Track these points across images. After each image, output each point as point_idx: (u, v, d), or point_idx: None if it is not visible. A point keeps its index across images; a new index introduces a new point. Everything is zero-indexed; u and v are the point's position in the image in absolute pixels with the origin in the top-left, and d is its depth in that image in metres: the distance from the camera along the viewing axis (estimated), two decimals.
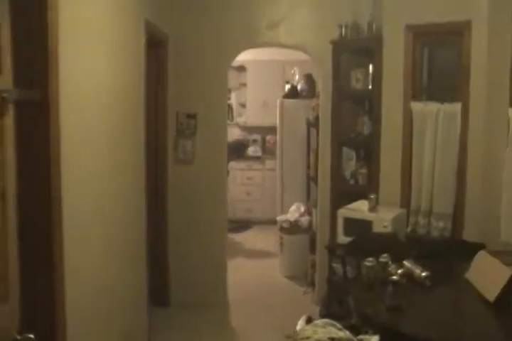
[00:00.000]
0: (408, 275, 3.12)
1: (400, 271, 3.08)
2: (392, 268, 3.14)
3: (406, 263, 3.22)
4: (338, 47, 4.89)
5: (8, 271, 1.63)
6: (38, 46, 2.01)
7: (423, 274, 3.11)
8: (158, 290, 4.91)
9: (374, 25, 4.70)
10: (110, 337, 3.13)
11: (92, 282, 2.73)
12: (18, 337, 1.63)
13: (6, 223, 1.62)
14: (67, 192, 2.18)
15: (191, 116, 5.06)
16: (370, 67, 4.77)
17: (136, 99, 3.86)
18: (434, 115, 4.30)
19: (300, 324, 2.61)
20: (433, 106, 4.31)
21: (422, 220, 4.42)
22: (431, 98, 4.44)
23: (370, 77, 4.77)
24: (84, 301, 2.57)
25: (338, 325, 2.53)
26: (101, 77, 2.92)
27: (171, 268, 5.16)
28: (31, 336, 1.63)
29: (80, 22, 2.55)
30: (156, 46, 4.68)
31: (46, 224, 2.04)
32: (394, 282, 2.84)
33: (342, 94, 4.94)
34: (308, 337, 2.33)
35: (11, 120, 1.67)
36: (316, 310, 4.67)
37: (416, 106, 4.41)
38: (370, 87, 4.77)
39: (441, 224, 4.29)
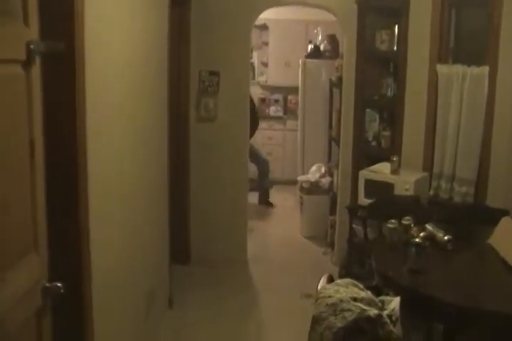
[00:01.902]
0: (430, 238, 3.11)
1: (422, 234, 3.07)
2: (414, 230, 3.13)
3: (428, 226, 3.21)
4: (364, 7, 4.77)
5: (37, 222, 1.64)
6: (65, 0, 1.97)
7: (445, 238, 3.10)
8: (179, 248, 4.96)
9: None
10: (134, 293, 3.17)
11: (116, 237, 2.75)
12: (47, 285, 1.68)
13: (34, 176, 1.62)
14: (91, 143, 2.17)
15: (214, 74, 5.00)
16: (396, 28, 4.66)
17: (160, 57, 3.82)
18: (460, 78, 4.19)
19: (322, 282, 2.62)
20: (459, 69, 4.20)
21: (444, 184, 4.36)
22: (457, 61, 4.33)
23: (396, 38, 4.66)
24: (109, 256, 2.60)
25: (360, 285, 2.54)
26: (125, 34, 2.88)
27: (192, 226, 5.20)
28: (59, 284, 1.68)
29: None
30: (179, 5, 4.60)
31: (72, 177, 2.04)
32: (416, 244, 2.84)
33: (366, 55, 4.85)
34: (330, 296, 2.34)
35: (38, 71, 1.65)
36: (335, 270, 4.70)
37: (442, 68, 4.31)
38: (395, 48, 4.68)
39: (463, 190, 4.22)
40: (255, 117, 6.93)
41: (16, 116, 1.53)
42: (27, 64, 1.58)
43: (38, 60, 1.65)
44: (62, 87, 1.96)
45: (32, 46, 1.58)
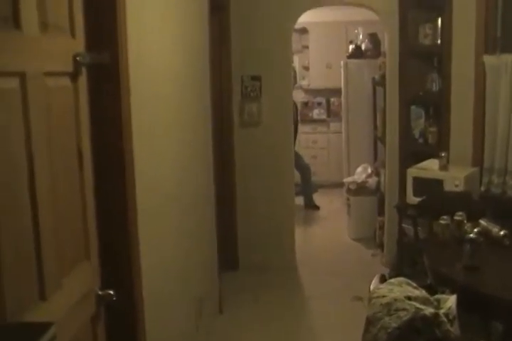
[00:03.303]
0: (485, 233, 3.03)
1: (476, 230, 2.99)
2: (467, 226, 3.06)
3: (482, 221, 3.13)
4: (405, 2, 4.71)
5: (88, 231, 1.68)
6: (108, 11, 2.01)
7: (501, 233, 3.02)
8: (228, 255, 4.97)
9: None
10: (185, 299, 3.20)
11: (166, 245, 2.78)
12: (100, 293, 1.72)
13: (83, 184, 1.66)
14: (137, 151, 2.21)
15: (256, 78, 5.02)
16: (439, 21, 4.58)
17: (202, 62, 3.86)
18: (509, 68, 4.08)
19: (374, 282, 2.58)
20: (508, 59, 4.09)
21: (496, 179, 4.25)
22: (506, 50, 4.21)
23: (439, 31, 4.58)
24: (159, 263, 2.63)
25: (414, 284, 2.50)
26: (167, 42, 2.92)
27: (239, 232, 5.21)
28: (111, 292, 1.73)
29: None
30: (218, 10, 4.64)
31: (119, 186, 2.08)
32: (471, 240, 2.77)
33: (409, 50, 4.79)
34: (383, 296, 2.31)
35: (84, 83, 1.69)
36: (385, 272, 4.62)
37: (489, 59, 4.21)
38: (439, 41, 4.60)
39: None
40: (296, 123, 6.94)
41: (66, 128, 1.57)
42: (74, 76, 1.62)
43: (84, 72, 1.69)
44: (107, 97, 2.00)
45: (79, 58, 1.62)
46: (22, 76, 1.29)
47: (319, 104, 8.68)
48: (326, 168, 8.16)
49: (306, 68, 8.70)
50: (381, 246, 5.45)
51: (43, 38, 1.42)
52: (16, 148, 1.26)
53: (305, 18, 5.56)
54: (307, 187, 7.37)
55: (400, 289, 2.34)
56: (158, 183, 2.66)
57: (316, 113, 8.59)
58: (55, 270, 1.41)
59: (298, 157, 7.11)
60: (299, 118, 7.38)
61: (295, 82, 8.29)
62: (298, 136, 7.03)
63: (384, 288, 2.37)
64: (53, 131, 1.45)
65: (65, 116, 1.57)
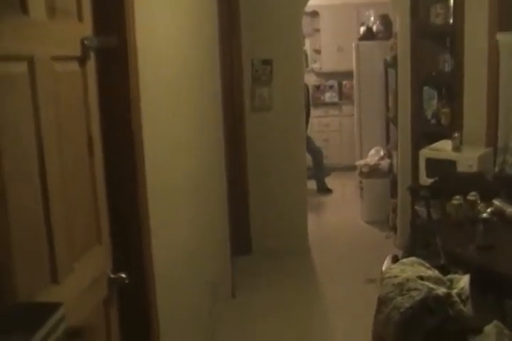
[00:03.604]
0: (499, 213, 3.01)
1: (489, 210, 2.98)
2: (481, 206, 3.04)
3: (496, 201, 3.11)
4: None
5: (99, 215, 1.69)
6: None
7: None
8: (240, 239, 4.99)
9: None
10: (197, 283, 3.22)
11: (177, 229, 2.79)
12: (112, 276, 1.74)
13: (93, 171, 1.66)
14: (147, 136, 2.21)
15: (267, 62, 5.00)
16: (451, 0, 4.52)
17: (212, 46, 3.84)
18: None
19: (386, 263, 2.59)
20: None
21: (510, 159, 4.21)
22: None
23: (451, 10, 4.52)
24: (170, 247, 2.64)
25: (427, 264, 2.50)
26: (176, 26, 2.91)
27: (252, 216, 5.23)
28: (123, 275, 1.75)
29: None
30: None
31: (130, 170, 2.08)
32: (484, 220, 2.75)
33: (421, 31, 4.74)
34: (396, 276, 2.31)
35: (93, 67, 1.69)
36: (399, 254, 4.61)
37: (503, 37, 4.13)
38: (451, 21, 4.54)
39: None
40: (308, 106, 6.92)
41: (75, 113, 1.57)
42: (82, 60, 1.62)
43: (92, 56, 1.69)
44: (116, 82, 2.00)
45: (86, 42, 1.61)
46: (30, 60, 1.29)
47: (331, 87, 8.63)
48: (338, 151, 8.14)
49: (318, 51, 8.64)
50: (394, 228, 5.44)
51: (51, 23, 1.42)
52: (25, 133, 1.26)
53: (316, 1, 5.54)
54: (319, 171, 7.36)
55: (412, 269, 2.35)
56: (168, 167, 2.67)
57: (328, 96, 8.54)
58: (66, 254, 1.42)
59: (309, 141, 7.10)
60: (311, 101, 7.35)
61: (307, 66, 8.26)
62: (310, 120, 7.02)
63: (396, 268, 2.38)
64: (62, 116, 1.45)
65: (73, 101, 1.57)
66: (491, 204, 3.07)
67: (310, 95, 7.40)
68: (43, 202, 1.31)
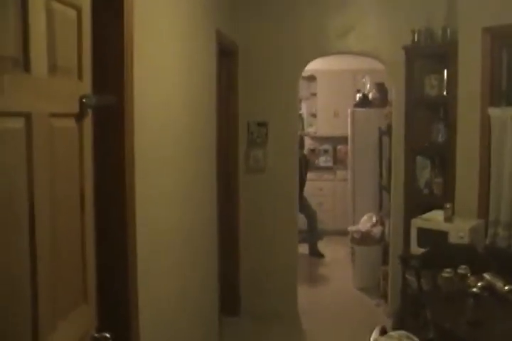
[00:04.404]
0: (489, 288, 2.96)
1: (480, 284, 2.94)
2: (471, 280, 3.00)
3: (486, 275, 3.07)
4: (411, 53, 4.78)
5: (87, 273, 1.66)
6: (115, 54, 2.05)
7: (506, 288, 2.95)
8: (229, 300, 4.90)
9: (448, 30, 4.58)
10: None
11: (164, 289, 2.74)
12: (96, 335, 1.69)
13: (83, 228, 1.65)
14: (140, 198, 2.20)
15: (262, 125, 5.06)
16: (445, 72, 4.64)
17: (209, 108, 3.90)
18: None
19: (374, 335, 2.53)
20: None
21: (502, 232, 4.20)
22: (511, 103, 4.25)
23: (445, 82, 4.63)
24: (157, 307, 2.59)
25: (415, 338, 2.44)
26: (173, 86, 2.96)
27: (242, 278, 5.16)
28: (107, 335, 1.69)
29: (155, 31, 2.60)
30: (226, 56, 4.72)
31: (121, 230, 2.07)
32: (474, 295, 2.71)
33: (416, 101, 4.83)
34: None
35: (89, 125, 1.70)
36: (389, 322, 4.54)
37: (494, 112, 4.23)
38: (444, 93, 4.64)
39: None
40: (305, 172, 7.01)
41: (69, 169, 1.57)
42: (79, 117, 1.63)
43: (89, 113, 1.70)
44: (111, 139, 2.01)
45: (85, 100, 1.63)
46: (28, 116, 1.30)
47: (326, 151, 8.72)
48: (331, 215, 8.12)
49: (314, 115, 8.78)
50: (385, 296, 5.36)
51: (51, 80, 1.44)
52: (17, 189, 1.25)
53: (313, 66, 5.65)
54: (312, 234, 7.32)
55: None
56: (159, 223, 2.64)
57: (323, 160, 8.62)
58: (50, 312, 1.38)
59: (306, 202, 7.12)
60: (307, 171, 7.45)
61: (302, 129, 8.37)
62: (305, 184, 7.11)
63: None
64: (57, 172, 1.45)
65: (68, 157, 1.57)
66: (481, 278, 3.03)
67: (308, 163, 7.50)
68: (30, 258, 1.29)
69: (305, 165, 7.34)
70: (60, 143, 1.49)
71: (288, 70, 5.08)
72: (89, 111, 1.69)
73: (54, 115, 1.43)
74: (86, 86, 1.70)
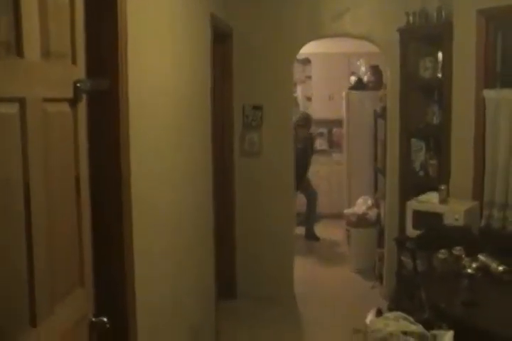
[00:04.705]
0: (484, 269, 3.00)
1: (474, 265, 2.96)
2: (466, 261, 3.03)
3: (481, 256, 3.10)
4: (406, 35, 4.77)
5: (83, 257, 1.67)
6: (109, 38, 2.04)
7: (500, 268, 2.99)
8: (226, 283, 4.94)
9: (443, 12, 4.55)
10: (180, 328, 3.16)
11: (161, 272, 2.76)
12: (94, 320, 1.70)
13: (80, 211, 1.65)
14: (135, 180, 2.21)
15: (257, 108, 5.05)
16: (440, 54, 4.63)
17: (203, 92, 3.89)
18: (509, 102, 4.10)
19: (370, 316, 2.56)
20: (508, 93, 4.11)
21: (496, 213, 4.22)
22: (506, 85, 4.25)
23: (440, 65, 4.62)
24: (154, 291, 2.60)
25: (411, 319, 2.47)
26: (168, 70, 2.95)
27: (238, 261, 5.19)
28: (104, 319, 1.71)
29: (149, 15, 2.58)
30: (221, 39, 4.70)
31: (117, 212, 2.08)
32: (469, 275, 2.74)
33: (410, 83, 4.83)
34: (379, 330, 2.28)
35: (84, 109, 1.70)
36: (385, 304, 4.58)
37: (489, 93, 4.23)
38: (439, 75, 4.63)
39: None
40: (312, 151, 7.05)
41: (63, 153, 1.57)
42: (74, 102, 1.63)
43: (84, 98, 1.70)
44: (106, 123, 2.01)
45: (79, 85, 1.63)
46: (22, 102, 1.30)
47: (321, 134, 8.71)
48: (327, 198, 8.12)
49: (309, 98, 8.76)
50: (380, 278, 5.41)
51: (45, 65, 1.43)
52: (12, 174, 1.26)
53: (308, 49, 5.63)
54: (310, 217, 7.35)
55: (396, 324, 2.31)
56: (156, 211, 2.65)
57: (318, 143, 8.61)
58: (47, 296, 1.39)
59: (308, 183, 7.19)
60: (313, 151, 7.51)
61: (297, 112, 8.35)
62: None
63: (380, 322, 2.34)
64: (51, 157, 1.45)
65: (63, 142, 1.57)
66: (476, 259, 3.06)
67: (313, 143, 7.55)
68: (26, 242, 1.30)
69: (310, 145, 7.37)
70: (54, 128, 1.48)
71: (283, 53, 5.06)
72: (84, 96, 1.69)
73: (48, 100, 1.43)
74: (80, 70, 1.69)
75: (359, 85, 7.30)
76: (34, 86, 1.36)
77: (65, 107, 1.59)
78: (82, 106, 1.68)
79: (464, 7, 4.38)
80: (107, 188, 2.02)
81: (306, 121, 7.24)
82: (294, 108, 5.60)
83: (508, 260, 3.13)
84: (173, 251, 3.02)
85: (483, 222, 4.27)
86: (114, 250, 2.06)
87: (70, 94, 1.59)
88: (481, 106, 4.28)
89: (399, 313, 2.47)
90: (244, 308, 4.98)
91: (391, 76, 5.01)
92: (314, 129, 8.68)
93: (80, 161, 1.65)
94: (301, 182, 6.84)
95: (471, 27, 4.30)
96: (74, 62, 1.64)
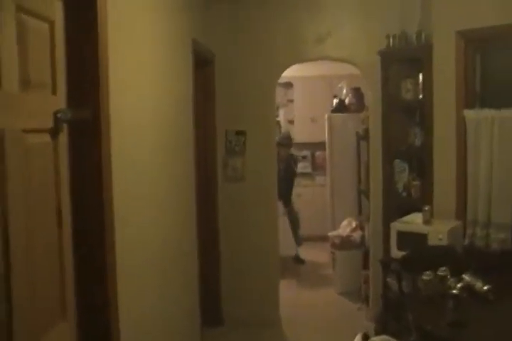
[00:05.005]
0: (469, 289, 2.99)
1: (459, 285, 2.96)
2: (451, 281, 3.02)
3: (466, 276, 3.10)
4: (387, 57, 4.83)
5: (65, 292, 1.64)
6: (90, 68, 2.03)
7: (485, 287, 2.98)
8: (211, 310, 4.88)
9: (423, 34, 4.62)
10: None
11: (145, 301, 2.72)
12: None
13: (61, 242, 1.63)
14: (119, 210, 2.19)
15: (240, 133, 5.05)
16: (420, 76, 4.69)
17: (186, 117, 3.89)
18: (489, 122, 4.15)
19: None
20: (488, 113, 4.16)
21: (479, 232, 4.24)
22: (485, 105, 4.30)
23: (421, 86, 4.68)
24: (137, 321, 2.57)
25: None
26: (151, 97, 2.95)
27: (223, 286, 5.14)
28: None
29: (130, 43, 2.59)
30: (203, 65, 4.72)
31: (100, 245, 2.05)
32: (454, 296, 2.74)
33: (392, 105, 4.87)
34: None
35: (64, 139, 1.70)
36: (371, 326, 4.54)
37: (469, 114, 4.28)
38: (420, 96, 4.68)
39: (501, 236, 4.10)
40: (294, 173, 7.08)
41: (44, 185, 1.55)
42: (54, 132, 1.62)
43: (65, 128, 1.70)
44: (88, 153, 1.99)
45: (59, 115, 1.62)
46: (0, 133, 1.29)
47: (304, 157, 8.74)
48: (311, 221, 8.11)
49: (291, 122, 8.81)
50: (366, 300, 5.38)
51: (23, 95, 1.43)
52: None
53: (290, 73, 5.67)
54: (295, 240, 7.32)
55: None
56: (138, 235, 2.63)
57: (301, 166, 8.62)
58: (25, 332, 1.36)
59: (291, 206, 7.19)
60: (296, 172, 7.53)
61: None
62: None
63: None
64: (32, 189, 1.44)
65: (44, 173, 1.56)
66: (461, 279, 3.05)
67: (297, 164, 7.57)
68: (4, 277, 1.27)
69: (293, 165, 7.38)
70: (34, 159, 1.48)
71: (265, 78, 5.08)
72: (65, 126, 1.68)
73: (28, 131, 1.42)
74: (60, 100, 1.69)
75: (341, 107, 7.35)
76: (12, 117, 1.36)
77: (46, 137, 1.58)
78: (63, 136, 1.68)
79: (443, 29, 4.45)
80: (89, 217, 1.99)
81: (287, 140, 7.28)
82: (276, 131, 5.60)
83: (493, 278, 3.13)
84: (157, 276, 2.99)
85: (466, 241, 4.28)
86: (97, 279, 2.03)
87: (50, 125, 1.59)
88: (461, 126, 4.33)
89: (385, 337, 2.46)
90: (231, 335, 4.91)
91: (373, 98, 5.05)
92: (297, 152, 8.74)
93: (61, 192, 1.64)
94: (287, 201, 6.90)
95: (450, 48, 4.36)
96: (54, 92, 1.64)
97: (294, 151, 7.72)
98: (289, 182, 7.14)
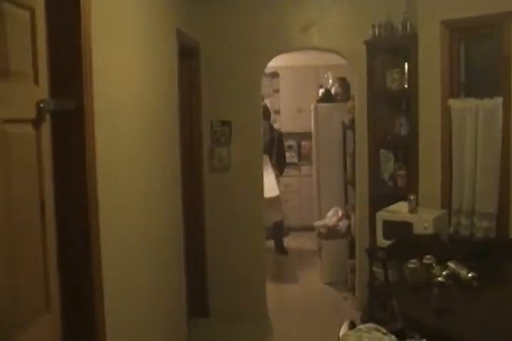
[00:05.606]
0: (454, 276, 3.02)
1: (444, 273, 2.98)
2: (436, 269, 3.05)
3: (451, 264, 3.13)
4: (372, 47, 4.84)
5: (49, 284, 1.63)
6: (72, 57, 2.01)
7: (469, 275, 3.01)
8: (197, 301, 4.88)
9: (408, 24, 4.64)
10: None
11: (131, 293, 2.72)
12: None
13: (45, 234, 1.62)
14: (103, 201, 2.18)
15: (226, 123, 5.04)
16: (406, 66, 4.71)
17: (171, 108, 3.87)
18: (473, 111, 4.18)
19: (343, 329, 2.55)
20: (472, 103, 4.19)
21: (464, 220, 4.30)
22: (470, 94, 4.33)
23: (406, 76, 4.70)
24: (124, 313, 2.56)
25: (383, 330, 2.47)
26: (135, 87, 2.93)
27: (209, 278, 5.13)
28: None
29: (113, 32, 2.57)
30: (188, 55, 4.69)
31: (84, 237, 2.03)
32: (439, 284, 2.76)
33: (378, 95, 4.89)
34: None
35: (48, 130, 1.68)
36: (358, 315, 4.59)
37: (454, 103, 4.31)
38: (406, 86, 4.70)
39: (485, 224, 4.16)
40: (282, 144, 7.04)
41: (27, 176, 1.54)
42: (37, 122, 1.60)
43: (47, 118, 1.68)
44: (72, 144, 1.97)
45: (42, 105, 1.61)
46: None
47: (290, 147, 8.74)
48: (297, 211, 8.15)
49: (277, 112, 8.80)
50: (353, 289, 5.42)
51: (4, 85, 1.41)
52: None
53: (276, 62, 5.66)
54: (279, 230, 7.34)
55: (369, 336, 2.31)
56: (124, 227, 2.62)
57: (287, 156, 8.61)
58: (8, 323, 1.35)
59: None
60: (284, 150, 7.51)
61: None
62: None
63: (353, 335, 2.34)
64: (14, 179, 1.42)
65: (26, 164, 1.54)
66: (446, 267, 3.08)
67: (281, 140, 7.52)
68: None
69: (277, 137, 7.34)
70: (16, 149, 1.46)
71: (250, 68, 5.06)
72: (47, 116, 1.66)
73: (8, 121, 1.41)
74: (43, 90, 1.67)
75: (327, 97, 7.35)
76: None
77: (28, 128, 1.57)
78: (46, 127, 1.66)
79: (428, 19, 4.47)
80: (73, 210, 1.97)
81: (263, 111, 7.25)
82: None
83: (478, 266, 3.16)
84: (144, 268, 2.99)
85: (451, 230, 4.33)
86: (81, 271, 2.02)
87: (32, 115, 1.57)
88: (446, 115, 4.36)
89: (371, 325, 2.48)
90: (217, 326, 4.91)
91: (358, 88, 5.06)
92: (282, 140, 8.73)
93: (44, 183, 1.62)
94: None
95: (435, 38, 4.38)
96: (36, 81, 1.62)
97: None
98: (279, 156, 7.15)
